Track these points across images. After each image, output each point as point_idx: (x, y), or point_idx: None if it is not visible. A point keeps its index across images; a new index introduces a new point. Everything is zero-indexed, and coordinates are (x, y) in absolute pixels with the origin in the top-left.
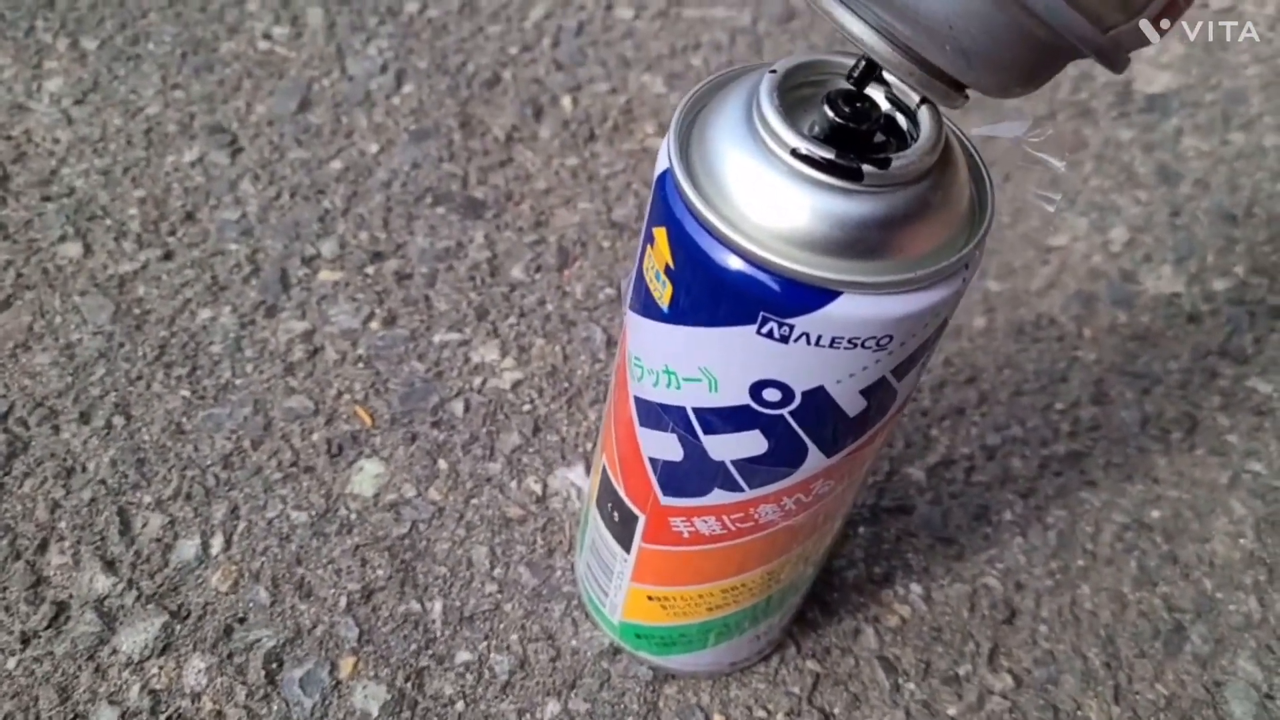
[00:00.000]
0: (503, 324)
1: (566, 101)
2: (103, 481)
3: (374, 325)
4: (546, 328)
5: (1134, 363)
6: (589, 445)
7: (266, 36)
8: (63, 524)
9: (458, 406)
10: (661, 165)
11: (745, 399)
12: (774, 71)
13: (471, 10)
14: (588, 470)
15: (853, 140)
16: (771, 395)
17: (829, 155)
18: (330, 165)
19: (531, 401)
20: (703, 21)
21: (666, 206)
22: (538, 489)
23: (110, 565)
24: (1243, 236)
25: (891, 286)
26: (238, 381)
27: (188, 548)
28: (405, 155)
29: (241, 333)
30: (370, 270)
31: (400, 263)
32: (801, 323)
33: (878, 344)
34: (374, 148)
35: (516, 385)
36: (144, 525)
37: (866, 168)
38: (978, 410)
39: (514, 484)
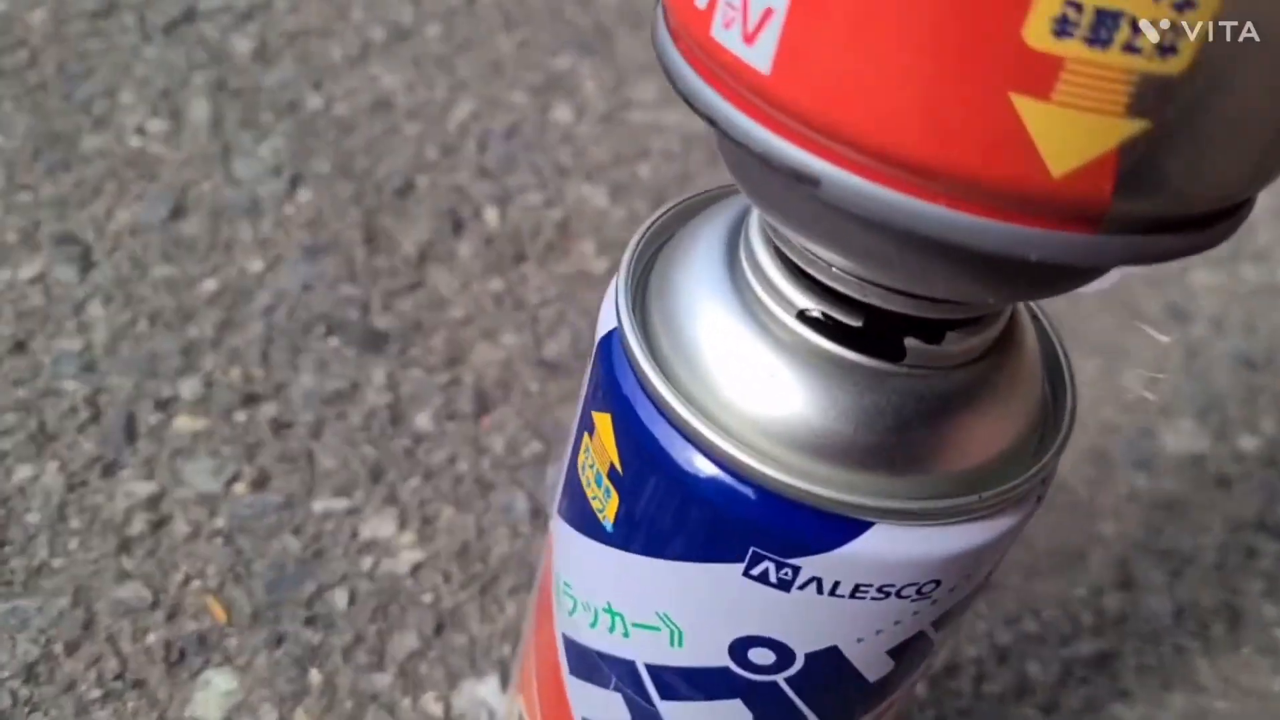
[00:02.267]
0: (403, 488)
1: (492, 214)
2: None
3: (239, 488)
4: (458, 493)
5: (1160, 538)
6: (506, 649)
7: (139, 132)
8: None
9: (340, 597)
10: (606, 324)
11: (723, 659)
12: None
13: (384, 108)
14: (503, 685)
15: (869, 308)
16: (761, 657)
17: (856, 322)
18: (202, 285)
19: (435, 590)
20: (652, 127)
21: (612, 383)
22: (438, 711)
23: None
24: (1265, 385)
25: (943, 515)
26: (55, 563)
27: None
28: (295, 275)
29: (68, 497)
30: (240, 417)
31: (279, 408)
32: (811, 565)
33: (918, 592)
34: (258, 265)
35: (416, 568)
36: None
37: (910, 341)
38: (984, 598)
39: (407, 703)
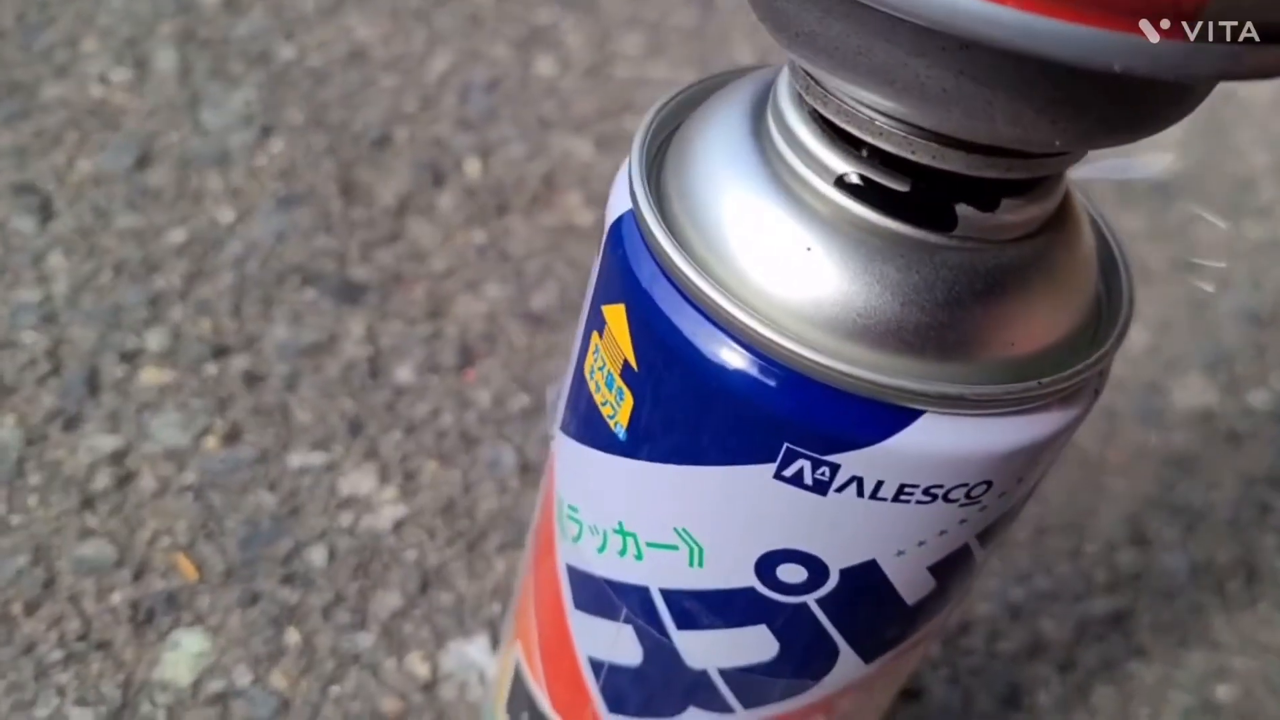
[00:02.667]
0: (383, 441)
1: (473, 166)
2: None
3: (210, 443)
4: (441, 447)
5: (1172, 493)
6: (496, 607)
7: (102, 80)
8: None
9: (318, 554)
10: (617, 208)
11: (748, 579)
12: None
13: (360, 59)
14: (494, 645)
15: (917, 170)
16: (791, 574)
17: (903, 187)
18: (169, 235)
19: (419, 547)
20: (637, 81)
21: (626, 270)
22: (424, 671)
23: None
24: (1272, 341)
25: (999, 403)
26: (14, 520)
27: None
28: (268, 225)
29: (27, 451)
30: (211, 370)
31: (251, 360)
32: (852, 462)
33: (968, 495)
34: (229, 215)
35: (399, 525)
36: None
37: (962, 208)
38: (995, 554)
39: (391, 663)
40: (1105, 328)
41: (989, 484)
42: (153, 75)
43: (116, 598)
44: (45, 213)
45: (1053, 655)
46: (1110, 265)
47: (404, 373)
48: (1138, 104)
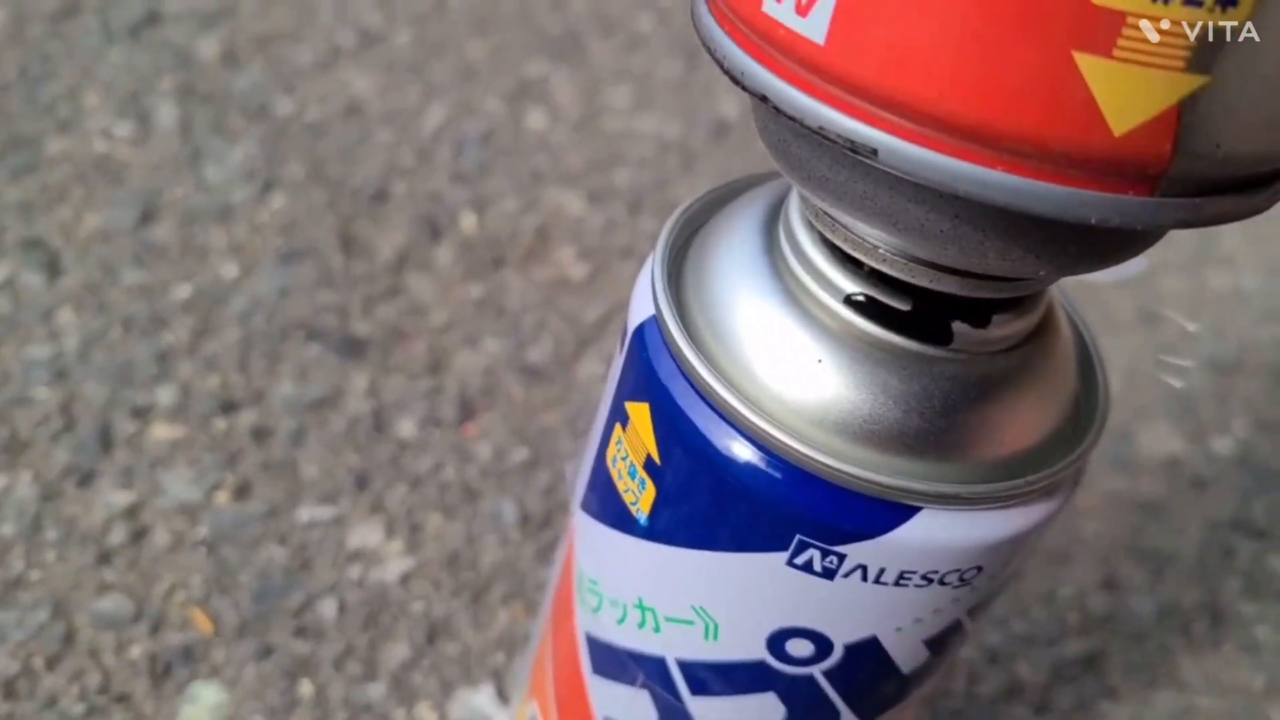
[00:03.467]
0: (389, 495)
1: (469, 220)
2: None
3: (221, 498)
4: (444, 500)
5: (1141, 537)
6: (500, 656)
7: (106, 135)
8: None
9: (328, 607)
10: (641, 312)
11: (759, 652)
12: None
13: (357, 113)
14: (499, 694)
15: (917, 290)
16: (799, 649)
17: (905, 306)
18: (175, 291)
19: (425, 599)
20: (626, 134)
21: (650, 373)
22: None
23: None
24: (1236, 388)
25: (990, 499)
26: (34, 575)
27: None
28: (272, 281)
29: (43, 508)
30: (220, 425)
31: (259, 415)
32: (858, 552)
33: (960, 579)
34: (233, 271)
35: (406, 577)
36: None
37: (957, 325)
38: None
39: (401, 713)
40: (1084, 423)
41: (980, 568)
42: (155, 130)
43: (135, 651)
44: (54, 268)
45: (1029, 697)
46: (1086, 361)
47: (407, 427)
48: (1112, 242)
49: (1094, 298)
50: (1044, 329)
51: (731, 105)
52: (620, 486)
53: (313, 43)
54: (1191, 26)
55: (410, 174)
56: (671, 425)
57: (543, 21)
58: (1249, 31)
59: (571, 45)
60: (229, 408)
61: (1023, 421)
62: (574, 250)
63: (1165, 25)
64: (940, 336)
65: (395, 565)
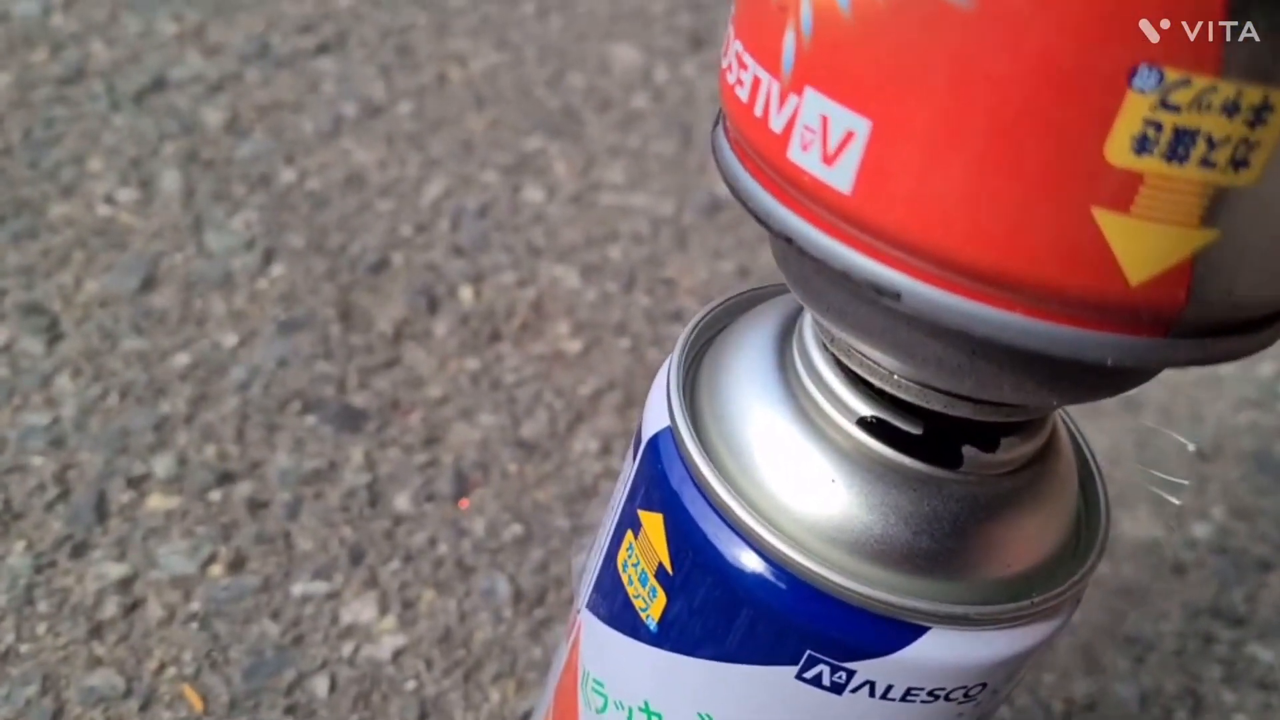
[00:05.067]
0: (383, 570)
1: (467, 293)
2: None
3: (215, 571)
4: (438, 576)
5: (1122, 623)
6: None
7: (109, 201)
8: None
9: (320, 684)
10: (656, 422)
11: None
12: None
13: (358, 184)
14: None
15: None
16: None
17: (917, 430)
18: (174, 360)
19: (417, 677)
20: (620, 209)
21: (665, 483)
22: None
23: None
24: (1214, 473)
25: (997, 620)
26: (23, 648)
27: None
28: (270, 351)
29: (36, 579)
30: (215, 496)
31: (255, 487)
32: (867, 669)
33: (965, 695)
34: (232, 340)
35: (398, 654)
36: None
37: (967, 449)
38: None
39: None
40: (1086, 542)
41: (984, 685)
42: (158, 196)
43: None
44: (53, 334)
45: None
46: (1087, 477)
47: (402, 501)
48: (1123, 376)
49: None
50: (1048, 450)
51: (723, 186)
52: (631, 592)
53: (315, 113)
54: (1206, 186)
55: (409, 245)
56: (685, 537)
57: (541, 97)
58: (1259, 189)
59: (568, 121)
60: (225, 479)
61: (1029, 541)
62: (568, 325)
63: (1181, 185)
64: (950, 460)
65: (388, 642)
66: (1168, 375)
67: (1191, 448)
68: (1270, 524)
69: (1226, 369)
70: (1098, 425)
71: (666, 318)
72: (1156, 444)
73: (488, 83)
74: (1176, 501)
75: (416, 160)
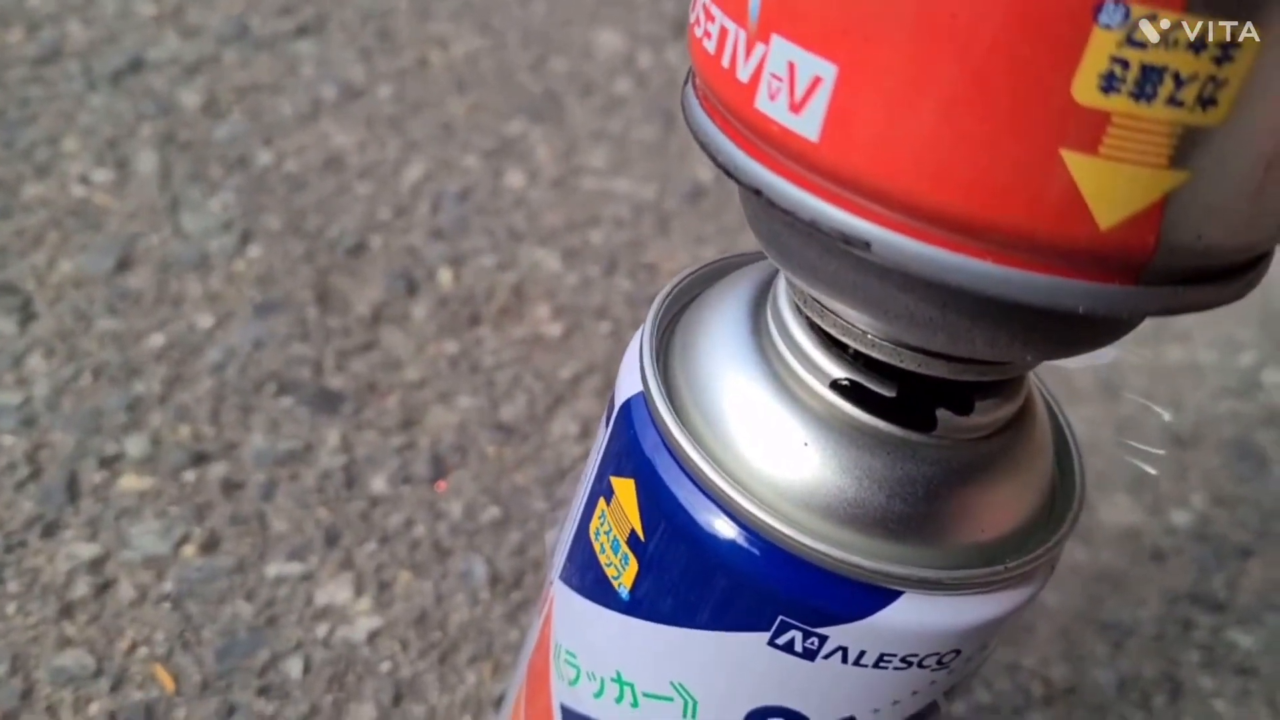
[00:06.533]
0: (358, 552)
1: (446, 276)
2: None
3: (188, 551)
4: (414, 558)
5: (1101, 609)
6: (467, 718)
7: (84, 181)
8: None
9: (294, 665)
10: (629, 387)
11: None
12: None
13: (336, 166)
14: None
15: (903, 375)
16: None
17: (891, 392)
18: (149, 340)
19: (392, 659)
20: (602, 194)
21: (637, 448)
22: None
23: None
24: (1194, 461)
25: (970, 585)
26: None
27: None
28: (246, 332)
29: (6, 558)
30: (189, 477)
31: (230, 468)
32: (839, 634)
33: (939, 662)
34: (207, 321)
35: (374, 636)
36: None
37: (941, 412)
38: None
39: None
40: (1060, 508)
41: (958, 651)
42: (134, 177)
43: (94, 709)
44: (25, 313)
45: None
46: (1063, 446)
47: (378, 483)
48: (1095, 329)
49: (1055, 371)
50: (1023, 416)
51: (707, 169)
52: (603, 560)
53: (293, 95)
54: (1174, 126)
55: (388, 228)
56: (657, 502)
57: (523, 81)
58: (1227, 128)
59: (551, 105)
60: (199, 459)
61: (1003, 507)
62: (549, 308)
63: (1149, 125)
64: (924, 423)
65: (363, 624)
66: (1149, 363)
67: (1167, 417)
68: (1250, 511)
69: (1207, 358)
70: (1077, 412)
71: (647, 302)
72: (1133, 417)
73: (469, 66)
74: (1153, 471)
75: (396, 143)
